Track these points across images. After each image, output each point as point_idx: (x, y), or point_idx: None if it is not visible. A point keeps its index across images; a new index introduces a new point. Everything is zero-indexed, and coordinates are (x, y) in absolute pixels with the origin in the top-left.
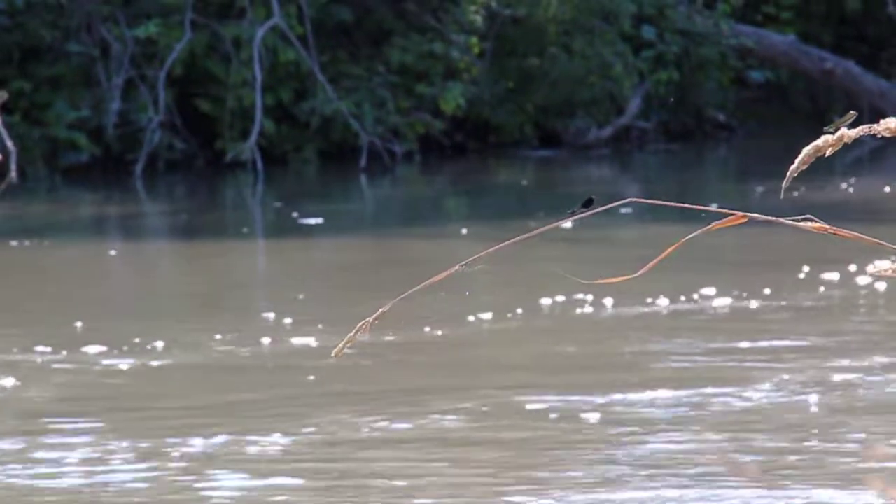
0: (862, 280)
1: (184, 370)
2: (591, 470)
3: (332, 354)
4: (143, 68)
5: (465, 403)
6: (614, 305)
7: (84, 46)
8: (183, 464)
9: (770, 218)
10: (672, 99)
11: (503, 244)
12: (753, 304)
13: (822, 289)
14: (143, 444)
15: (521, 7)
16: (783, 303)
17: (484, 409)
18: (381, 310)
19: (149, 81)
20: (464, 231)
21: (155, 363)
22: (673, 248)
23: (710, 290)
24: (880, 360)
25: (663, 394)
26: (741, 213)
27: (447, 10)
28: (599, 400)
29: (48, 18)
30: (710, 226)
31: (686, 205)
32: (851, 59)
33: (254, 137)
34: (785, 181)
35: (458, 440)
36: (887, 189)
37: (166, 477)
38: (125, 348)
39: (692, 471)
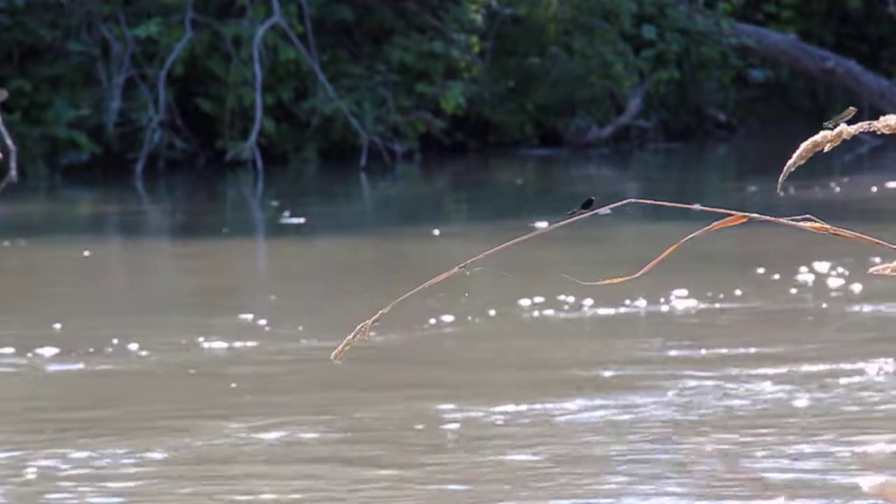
0: (835, 282)
1: (112, 376)
2: (457, 477)
3: (332, 357)
4: (143, 67)
5: (373, 413)
6: (592, 307)
7: (84, 45)
8: (32, 479)
9: (770, 218)
10: (669, 98)
11: (502, 245)
12: (719, 307)
13: (794, 290)
14: (11, 455)
15: (522, 6)
16: (750, 305)
17: (393, 418)
18: (380, 312)
19: (149, 81)
20: (436, 232)
21: (97, 368)
22: (672, 248)
23: (682, 292)
24: (816, 368)
25: (575, 403)
26: (741, 214)
27: (447, 10)
28: (503, 408)
29: (48, 17)
30: (710, 226)
31: (687, 205)
32: (852, 58)
33: (254, 137)
34: (782, 176)
35: (344, 452)
36: (874, 189)
37: (14, 492)
38: (90, 350)
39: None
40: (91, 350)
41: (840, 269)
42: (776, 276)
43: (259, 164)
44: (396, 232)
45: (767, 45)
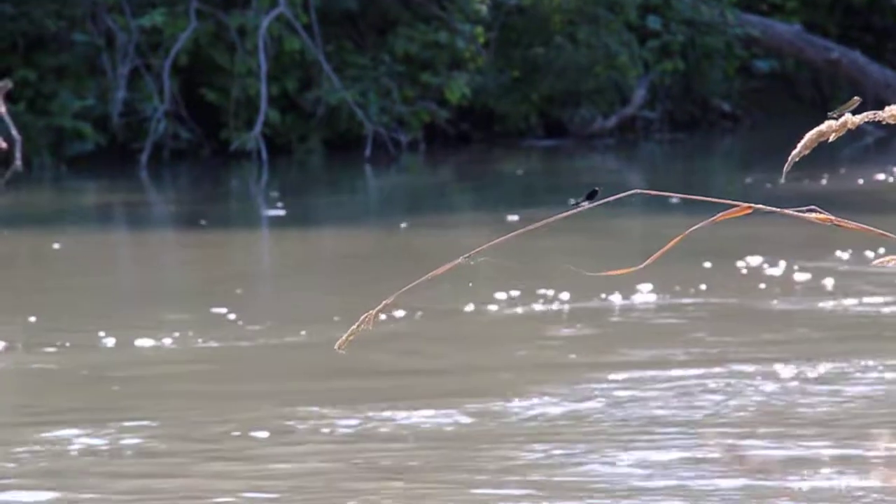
0: (801, 276)
1: (20, 375)
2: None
3: (336, 347)
4: (148, 58)
5: (230, 416)
6: (569, 302)
7: (89, 36)
8: None
9: (775, 209)
10: (674, 89)
11: (505, 237)
12: (674, 301)
13: (762, 285)
14: None
15: None
16: (703, 300)
17: (246, 420)
18: (384, 302)
19: (154, 71)
20: (403, 225)
21: (30, 366)
22: (677, 239)
23: (647, 286)
24: (715, 370)
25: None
26: (746, 205)
27: (452, 0)
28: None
29: (53, 7)
30: (714, 217)
31: (691, 196)
32: (857, 48)
33: (258, 127)
34: (787, 164)
35: (166, 458)
36: (860, 181)
37: None
38: (27, 344)
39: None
40: (26, 345)
41: (838, 263)
42: (776, 269)
43: (264, 154)
44: (399, 222)
45: (772, 35)
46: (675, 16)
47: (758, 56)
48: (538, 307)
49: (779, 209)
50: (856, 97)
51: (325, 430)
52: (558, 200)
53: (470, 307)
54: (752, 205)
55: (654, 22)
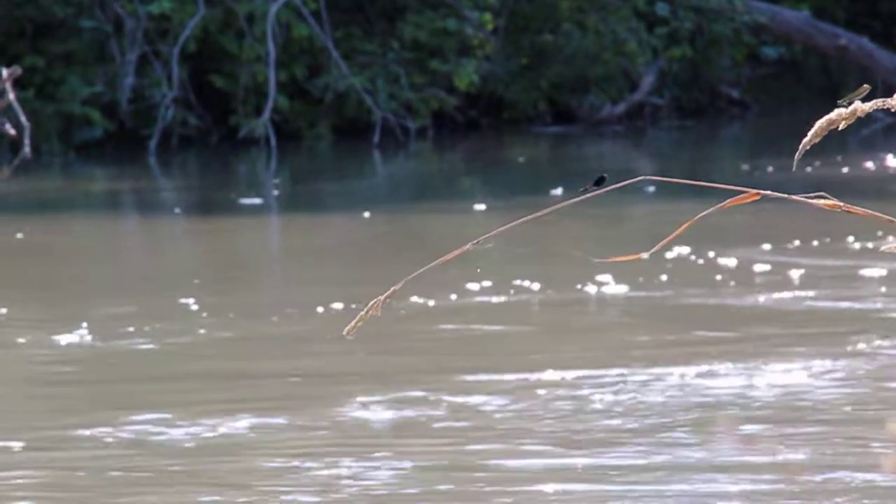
0: (760, 267)
1: None
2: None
3: (344, 332)
4: (156, 44)
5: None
6: (545, 291)
7: (97, 22)
8: None
9: (783, 195)
10: (682, 76)
11: (511, 224)
12: (642, 294)
13: (718, 277)
14: None
15: None
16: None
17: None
18: (392, 288)
19: (162, 57)
20: (366, 214)
21: None
22: (684, 226)
23: (606, 278)
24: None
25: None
26: (754, 191)
27: None
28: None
29: None
30: (722, 204)
31: (699, 182)
32: (865, 35)
33: (267, 113)
34: (798, 153)
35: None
36: (845, 170)
37: None
38: None
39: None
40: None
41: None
42: (701, 261)
43: (272, 140)
44: (406, 209)
45: (780, 22)
46: (683, 2)
47: (766, 43)
48: (495, 299)
49: (787, 195)
50: (866, 85)
51: (154, 435)
52: (567, 186)
53: (414, 299)
54: (761, 191)
55: (662, 9)
